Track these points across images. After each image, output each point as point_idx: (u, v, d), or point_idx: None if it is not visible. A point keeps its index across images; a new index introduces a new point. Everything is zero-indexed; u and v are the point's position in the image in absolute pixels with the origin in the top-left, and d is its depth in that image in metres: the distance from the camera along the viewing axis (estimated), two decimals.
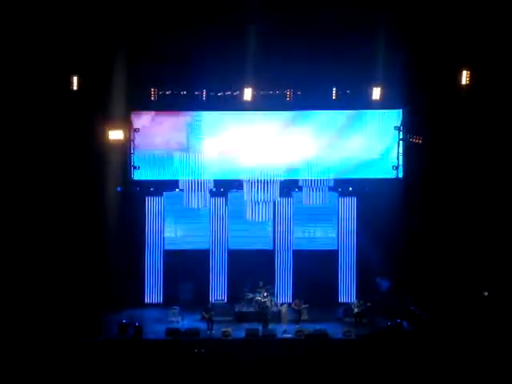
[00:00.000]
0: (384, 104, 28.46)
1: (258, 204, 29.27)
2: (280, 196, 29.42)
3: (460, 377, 22.52)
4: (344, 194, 29.55)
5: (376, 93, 28.13)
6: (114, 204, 28.42)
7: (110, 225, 28.28)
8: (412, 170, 28.62)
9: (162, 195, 29.51)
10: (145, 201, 29.44)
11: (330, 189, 29.39)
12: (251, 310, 27.60)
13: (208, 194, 29.34)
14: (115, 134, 27.71)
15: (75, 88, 27.10)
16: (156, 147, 28.87)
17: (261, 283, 28.09)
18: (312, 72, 27.63)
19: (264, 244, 29.81)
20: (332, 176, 29.04)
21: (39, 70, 26.99)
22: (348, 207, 29.66)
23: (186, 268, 29.23)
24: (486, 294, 27.59)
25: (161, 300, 29.39)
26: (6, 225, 27.33)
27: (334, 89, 28.14)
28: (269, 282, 28.56)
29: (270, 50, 27.33)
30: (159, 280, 29.50)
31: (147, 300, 29.41)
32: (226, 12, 26.99)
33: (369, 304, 27.10)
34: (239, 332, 25.86)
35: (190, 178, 29.02)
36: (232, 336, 25.51)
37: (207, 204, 29.37)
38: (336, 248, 29.79)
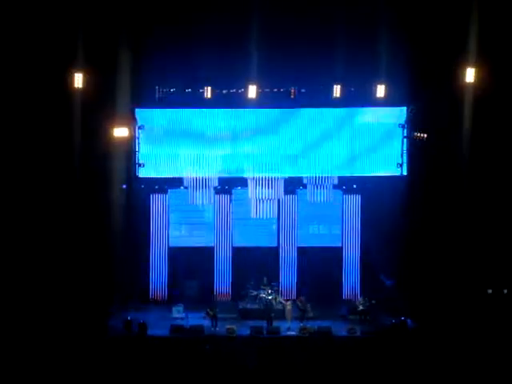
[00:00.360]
0: (388, 102, 28.47)
1: (263, 201, 29.32)
2: (284, 194, 29.46)
3: (463, 374, 22.54)
4: (348, 191, 29.58)
5: (380, 90, 28.15)
6: (119, 201, 28.46)
7: (114, 222, 28.29)
8: (416, 168, 28.61)
9: (166, 192, 29.55)
10: (149, 198, 29.50)
11: (335, 186, 29.41)
12: (255, 307, 27.63)
13: (212, 192, 29.40)
14: (120, 132, 27.73)
15: (79, 85, 27.07)
16: (160, 144, 28.93)
17: (265, 280, 28.13)
18: (316, 70, 27.64)
19: (268, 241, 29.84)
20: (336, 173, 29.09)
21: (43, 67, 26.98)
22: (352, 204, 29.67)
23: (191, 265, 29.29)
24: (490, 291, 27.58)
25: (165, 297, 29.44)
26: (11, 224, 27.37)
27: (339, 86, 28.10)
28: (273, 279, 28.60)
29: (274, 48, 27.30)
30: (164, 277, 29.55)
31: (152, 297, 29.44)
32: (230, 8, 27.04)
33: (373, 301, 27.12)
34: (243, 329, 25.90)
35: (195, 176, 29.08)
36: (236, 333, 25.55)
37: (212, 201, 29.43)
38: (340, 245, 29.83)
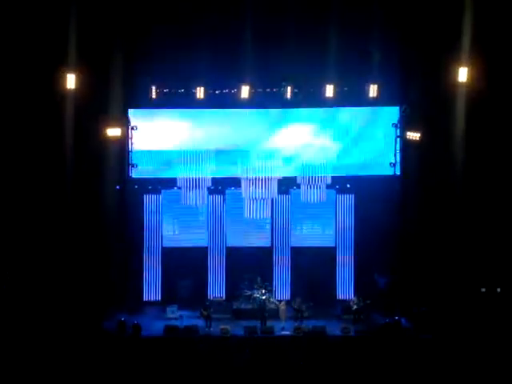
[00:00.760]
0: (381, 101, 28.49)
1: (256, 201, 29.34)
2: (278, 193, 29.48)
3: (457, 373, 22.58)
4: (342, 191, 29.61)
5: (373, 90, 28.17)
6: (113, 202, 28.41)
7: (108, 223, 28.27)
8: (409, 167, 28.61)
9: (160, 193, 29.53)
10: (143, 198, 29.47)
11: (328, 186, 29.44)
12: (249, 307, 27.63)
13: (206, 192, 29.40)
14: (113, 132, 27.66)
15: (72, 86, 27.00)
16: (154, 145, 28.93)
17: (259, 280, 28.11)
18: (308, 70, 27.65)
19: (262, 241, 29.83)
20: (330, 173, 29.13)
21: (35, 68, 26.95)
22: (346, 204, 29.70)
23: (185, 265, 29.26)
24: (484, 290, 27.63)
25: (159, 297, 29.41)
26: (3, 225, 27.34)
27: (331, 86, 28.09)
28: (267, 279, 28.57)
29: (265, 48, 27.31)
30: (157, 277, 29.51)
31: (146, 297, 29.42)
32: (224, 8, 27.07)
33: (368, 301, 27.15)
34: (237, 329, 25.90)
35: (188, 176, 29.07)
36: (230, 333, 25.55)
37: (205, 201, 29.42)
38: (334, 245, 29.84)
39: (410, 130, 27.76)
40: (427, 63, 27.51)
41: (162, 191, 29.52)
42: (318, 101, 28.55)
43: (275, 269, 29.63)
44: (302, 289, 28.59)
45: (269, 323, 26.49)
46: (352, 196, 29.63)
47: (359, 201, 29.47)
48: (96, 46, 27.10)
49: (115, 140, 27.76)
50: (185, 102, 28.52)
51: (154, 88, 28.16)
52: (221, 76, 28.01)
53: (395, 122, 28.35)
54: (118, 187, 28.65)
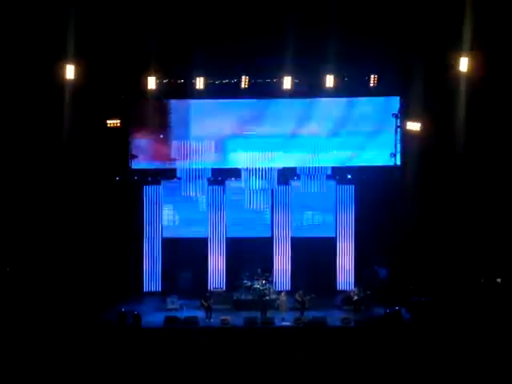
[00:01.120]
0: (381, 91, 28.40)
1: (256, 192, 29.31)
2: (278, 184, 29.45)
3: (456, 365, 22.57)
4: (342, 181, 29.57)
5: (373, 80, 28.07)
6: (112, 193, 28.39)
7: (108, 214, 28.28)
8: (410, 157, 28.55)
9: (159, 184, 29.51)
10: (143, 189, 29.44)
11: (328, 177, 29.41)
12: (250, 298, 27.62)
13: (206, 183, 29.37)
14: (113, 123, 27.59)
15: (71, 77, 26.91)
16: (153, 135, 28.88)
17: (259, 271, 28.11)
18: (308, 60, 27.53)
19: (262, 232, 29.80)
20: (330, 164, 29.09)
21: (34, 58, 26.87)
22: (346, 195, 29.68)
23: (185, 256, 29.25)
24: (483, 280, 27.64)
25: (159, 288, 29.42)
26: (3, 214, 27.34)
27: (332, 76, 27.98)
28: (267, 270, 28.57)
29: (267, 38, 27.20)
30: (157, 268, 29.54)
31: (146, 288, 29.44)
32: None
33: (368, 292, 27.15)
34: (238, 320, 25.90)
35: (188, 167, 29.03)
36: (231, 324, 25.55)
37: (205, 192, 29.39)
38: (334, 235, 29.82)
39: (410, 120, 27.67)
40: (429, 52, 27.38)
41: (162, 182, 29.49)
42: (319, 90, 28.40)
43: (275, 259, 29.64)
44: (303, 279, 28.56)
45: (269, 314, 26.49)
46: (352, 187, 29.63)
47: (359, 191, 29.45)
48: (95, 37, 26.96)
49: (115, 131, 27.72)
50: (184, 92, 28.38)
51: (154, 78, 28.00)
52: (221, 66, 27.87)
53: (395, 111, 28.29)
54: (117, 178, 28.62)
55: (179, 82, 28.24)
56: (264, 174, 29.19)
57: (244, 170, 29.20)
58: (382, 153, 28.75)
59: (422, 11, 26.98)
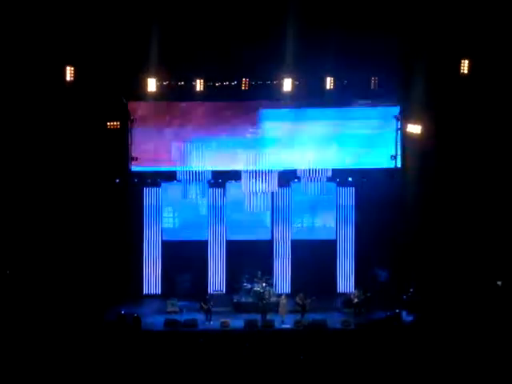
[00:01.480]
0: (382, 94, 28.37)
1: (257, 195, 29.28)
2: (278, 187, 29.42)
3: (457, 367, 22.54)
4: (342, 184, 29.54)
5: (374, 82, 28.03)
6: (112, 195, 28.36)
7: (107, 216, 28.24)
8: (410, 160, 28.54)
9: (159, 186, 29.47)
10: (143, 192, 29.40)
11: (329, 179, 29.38)
12: (250, 300, 27.58)
13: (206, 185, 29.34)
14: (113, 125, 27.56)
15: (71, 79, 26.88)
16: (154, 138, 28.85)
17: (259, 274, 28.07)
18: (307, 64, 27.51)
19: (262, 234, 29.77)
20: (330, 166, 29.06)
21: (34, 61, 26.85)
22: (346, 197, 29.66)
23: (185, 259, 29.20)
24: (485, 283, 27.61)
25: (159, 291, 29.38)
26: (4, 215, 27.33)
27: (332, 80, 27.93)
28: (267, 273, 28.53)
29: (267, 41, 27.20)
30: (157, 271, 29.49)
31: (145, 291, 29.39)
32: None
33: (368, 294, 27.11)
34: (238, 322, 25.86)
35: (188, 169, 29.00)
36: (230, 327, 25.51)
37: (205, 195, 29.36)
38: (335, 238, 29.78)
39: (411, 123, 27.65)
40: (429, 55, 27.36)
41: (162, 184, 29.46)
42: (319, 94, 28.36)
43: (275, 262, 29.60)
44: (303, 282, 28.51)
45: (269, 316, 26.44)
46: (353, 189, 29.60)
47: (360, 194, 29.42)
48: (95, 39, 26.94)
49: (115, 133, 27.71)
50: (185, 94, 28.32)
51: (154, 81, 27.97)
52: (221, 68, 27.86)
53: (396, 114, 28.28)
54: (117, 180, 28.59)
55: (179, 84, 28.17)
56: (264, 176, 29.14)
57: (244, 172, 29.15)
58: (382, 155, 28.72)
59: (422, 12, 26.99)
